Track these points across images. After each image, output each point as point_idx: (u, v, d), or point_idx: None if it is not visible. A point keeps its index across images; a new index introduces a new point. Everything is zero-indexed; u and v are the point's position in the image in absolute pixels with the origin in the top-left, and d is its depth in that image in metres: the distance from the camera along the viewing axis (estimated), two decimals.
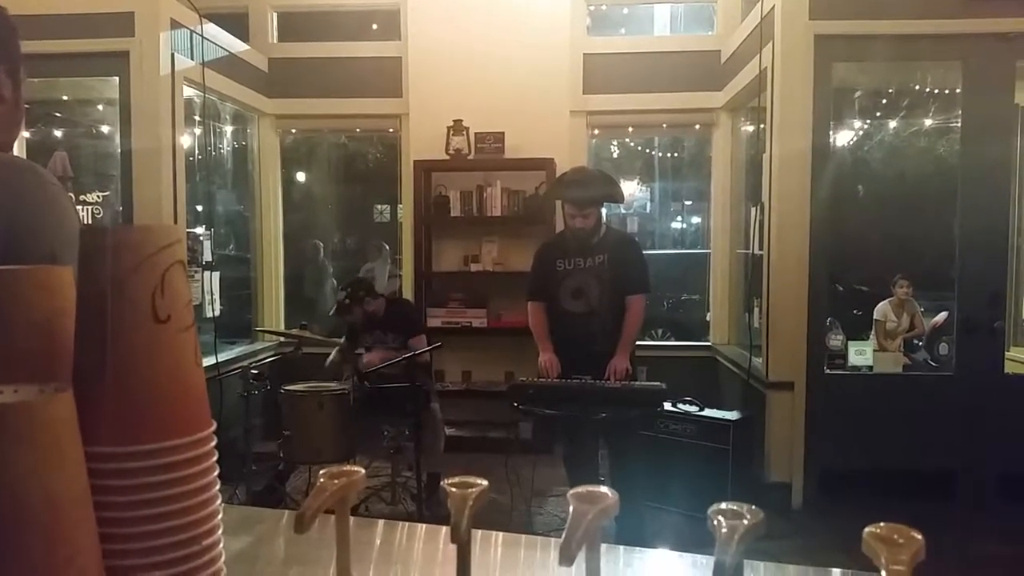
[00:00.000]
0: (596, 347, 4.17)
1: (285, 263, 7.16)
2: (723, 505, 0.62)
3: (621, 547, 1.11)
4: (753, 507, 0.61)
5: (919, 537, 0.57)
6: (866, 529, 0.59)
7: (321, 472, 0.72)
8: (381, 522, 1.27)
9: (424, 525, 1.21)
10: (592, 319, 4.21)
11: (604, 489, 0.65)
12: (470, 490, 0.66)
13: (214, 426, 0.72)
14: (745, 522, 0.58)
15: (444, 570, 1.04)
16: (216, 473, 0.72)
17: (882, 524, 0.59)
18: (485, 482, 0.69)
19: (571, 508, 0.63)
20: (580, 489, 0.65)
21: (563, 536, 0.59)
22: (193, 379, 0.69)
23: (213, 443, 0.72)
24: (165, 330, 0.66)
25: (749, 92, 5.57)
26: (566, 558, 0.57)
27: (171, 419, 0.67)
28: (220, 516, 0.72)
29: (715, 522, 0.59)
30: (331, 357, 5.10)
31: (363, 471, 0.72)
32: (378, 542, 1.18)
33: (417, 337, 4.91)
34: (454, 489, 0.66)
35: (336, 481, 0.69)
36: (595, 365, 4.11)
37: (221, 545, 0.73)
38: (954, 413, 4.73)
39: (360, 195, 9.58)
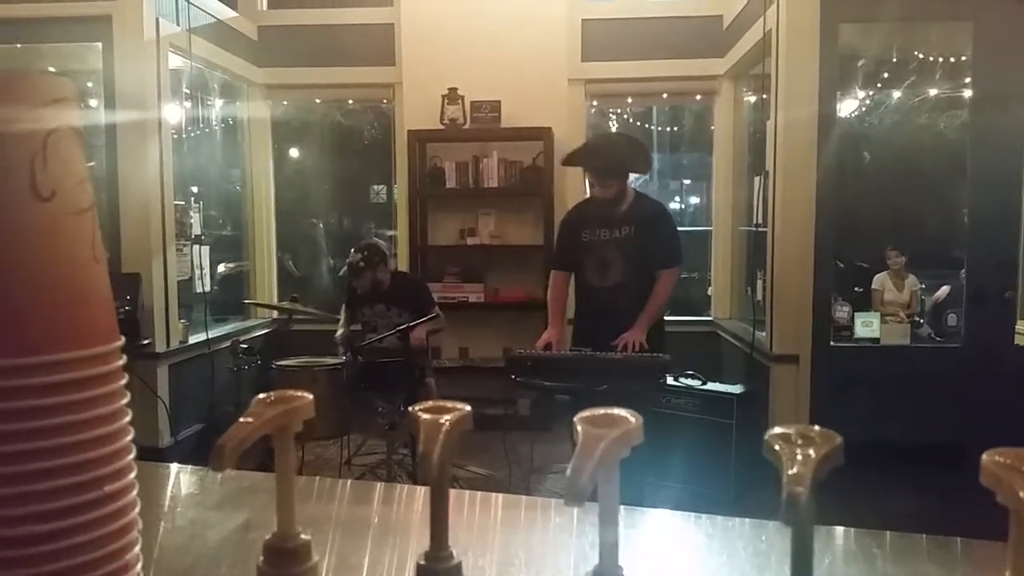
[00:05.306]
0: (620, 323, 3.91)
1: (277, 240, 7.02)
2: (778, 429, 0.47)
3: (623, 506, 0.97)
4: (818, 428, 0.47)
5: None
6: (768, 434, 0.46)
7: (257, 397, 0.57)
8: (380, 485, 1.20)
9: (423, 488, 1.09)
10: (616, 293, 3.97)
11: (624, 411, 0.51)
12: (444, 417, 0.51)
13: (121, 340, 0.57)
14: (815, 449, 0.44)
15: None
16: (126, 401, 0.57)
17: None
18: (467, 407, 0.54)
19: (579, 431, 0.48)
20: (592, 412, 0.50)
21: (569, 468, 0.45)
22: (91, 277, 0.54)
23: (120, 362, 0.57)
24: (48, 210, 0.51)
25: (752, 58, 5.41)
26: (573, 496, 0.43)
27: (61, 326, 0.52)
28: (132, 456, 0.58)
29: (777, 447, 0.44)
30: (340, 331, 4.92)
31: (310, 396, 0.57)
32: (375, 505, 1.07)
33: (432, 308, 4.79)
34: (426, 416, 0.52)
35: (272, 409, 0.54)
36: None
37: (135, 493, 0.58)
38: (963, 385, 4.60)
39: (355, 173, 9.41)
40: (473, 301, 6.05)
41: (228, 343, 5.24)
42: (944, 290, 6.45)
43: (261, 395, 0.56)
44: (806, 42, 4.63)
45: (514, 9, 5.95)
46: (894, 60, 6.67)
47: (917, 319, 6.33)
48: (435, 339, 5.17)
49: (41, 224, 0.51)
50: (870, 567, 0.83)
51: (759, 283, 5.25)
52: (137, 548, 0.58)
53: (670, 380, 4.49)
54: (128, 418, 0.57)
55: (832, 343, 4.85)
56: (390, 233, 7.07)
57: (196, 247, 5.58)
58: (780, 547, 0.84)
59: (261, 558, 0.56)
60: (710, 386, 4.59)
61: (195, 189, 5.77)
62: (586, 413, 0.50)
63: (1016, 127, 4.75)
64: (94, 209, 0.55)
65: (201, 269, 5.62)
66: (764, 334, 5.02)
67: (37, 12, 4.90)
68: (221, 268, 6.18)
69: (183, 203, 5.47)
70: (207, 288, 5.70)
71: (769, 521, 0.89)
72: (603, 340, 3.87)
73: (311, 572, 0.56)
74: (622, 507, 1.00)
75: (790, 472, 0.41)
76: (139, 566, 0.58)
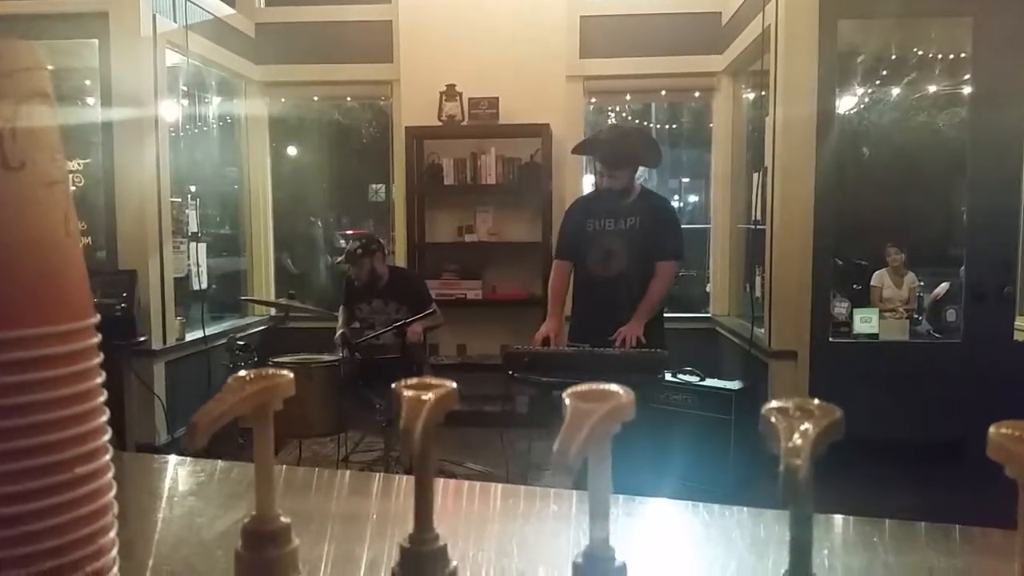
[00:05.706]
0: (620, 314, 3.91)
1: (275, 238, 7.00)
2: (775, 403, 0.46)
3: (621, 496, 0.96)
4: (817, 401, 0.45)
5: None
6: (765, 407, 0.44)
7: (235, 375, 0.55)
8: (379, 475, 1.18)
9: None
10: (618, 284, 3.97)
11: (615, 387, 0.49)
12: (427, 393, 0.49)
13: (96, 318, 0.55)
14: (813, 423, 0.42)
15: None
16: (100, 380, 0.55)
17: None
18: (452, 383, 0.52)
19: (568, 405, 0.46)
20: (580, 387, 0.48)
21: (558, 438, 0.43)
22: (63, 250, 0.52)
23: (95, 340, 0.55)
24: (18, 180, 0.49)
25: (751, 54, 5.39)
26: (563, 466, 0.41)
27: (32, 301, 0.50)
28: (107, 438, 0.56)
29: (773, 420, 0.43)
30: (339, 332, 4.89)
31: (291, 375, 0.55)
32: (374, 497, 1.06)
33: (430, 304, 4.77)
34: (409, 392, 0.50)
35: (249, 387, 0.52)
36: None
37: (109, 475, 0.56)
38: (962, 380, 4.58)
39: (353, 170, 9.38)
40: (471, 298, 6.03)
41: (225, 340, 5.22)
42: (943, 287, 6.42)
43: (240, 372, 0.55)
44: (805, 38, 4.61)
45: (512, 5, 5.93)
46: (893, 56, 6.64)
47: (916, 316, 6.31)
48: (432, 336, 5.14)
49: (9, 194, 0.50)
50: (871, 555, 0.81)
51: (758, 280, 5.24)
52: (112, 533, 0.56)
53: (668, 376, 4.47)
54: (103, 398, 0.56)
55: (831, 339, 4.83)
56: (391, 234, 7.04)
57: (193, 244, 5.56)
58: (778, 535, 0.83)
59: (240, 542, 0.54)
60: (708, 382, 4.58)
61: (192, 187, 5.74)
62: (575, 389, 0.48)
63: (1016, 124, 4.73)
64: (67, 182, 0.53)
65: (198, 266, 5.60)
66: (763, 330, 5.00)
67: (33, 8, 4.89)
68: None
69: (180, 200, 5.45)
70: (204, 285, 5.68)
71: (767, 510, 0.88)
72: (602, 331, 3.87)
73: (290, 556, 0.54)
74: (619, 496, 0.99)
75: (787, 445, 0.40)
76: (115, 551, 0.56)
